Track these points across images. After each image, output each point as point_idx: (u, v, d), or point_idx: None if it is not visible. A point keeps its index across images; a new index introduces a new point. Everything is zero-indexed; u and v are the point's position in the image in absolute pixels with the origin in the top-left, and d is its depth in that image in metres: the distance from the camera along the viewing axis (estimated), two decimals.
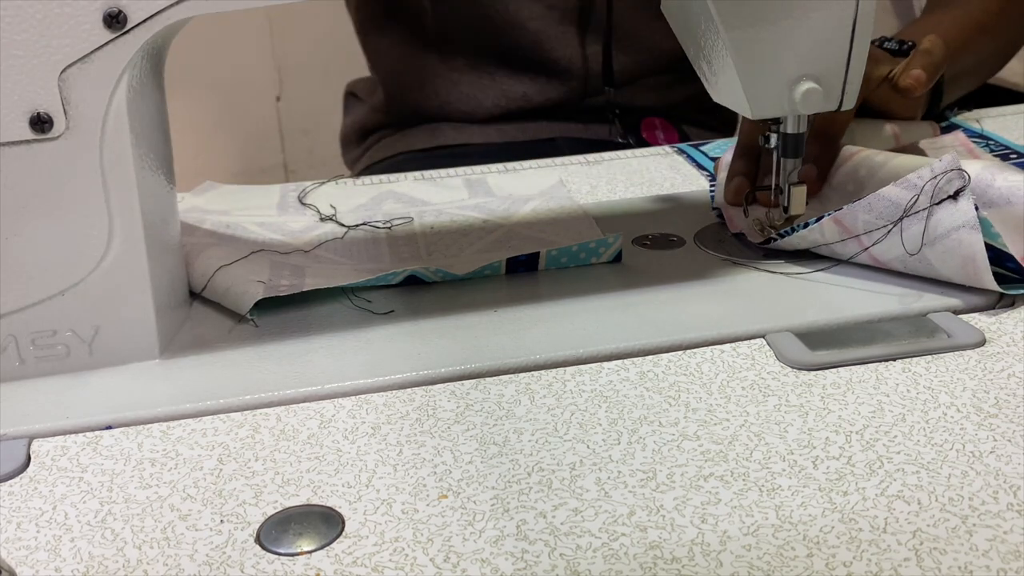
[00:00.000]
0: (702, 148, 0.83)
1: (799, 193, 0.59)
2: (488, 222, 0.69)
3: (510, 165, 0.81)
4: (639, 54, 0.99)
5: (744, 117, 0.67)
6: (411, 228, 0.69)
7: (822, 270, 0.58)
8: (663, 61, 1.00)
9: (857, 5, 0.54)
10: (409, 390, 0.49)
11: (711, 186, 0.69)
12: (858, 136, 0.68)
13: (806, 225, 0.58)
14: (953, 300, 0.54)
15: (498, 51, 0.98)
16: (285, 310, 0.57)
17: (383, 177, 0.79)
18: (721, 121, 1.06)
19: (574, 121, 1.00)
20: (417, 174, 0.80)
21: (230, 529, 0.40)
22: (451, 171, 0.81)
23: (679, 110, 1.03)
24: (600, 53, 0.97)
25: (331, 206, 0.72)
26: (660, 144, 0.93)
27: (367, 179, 0.79)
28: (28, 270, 0.49)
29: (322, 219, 0.70)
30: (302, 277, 0.59)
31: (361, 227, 0.68)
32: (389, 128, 1.05)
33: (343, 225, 0.69)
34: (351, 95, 1.11)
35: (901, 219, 0.54)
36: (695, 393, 0.48)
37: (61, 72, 0.47)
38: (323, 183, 0.77)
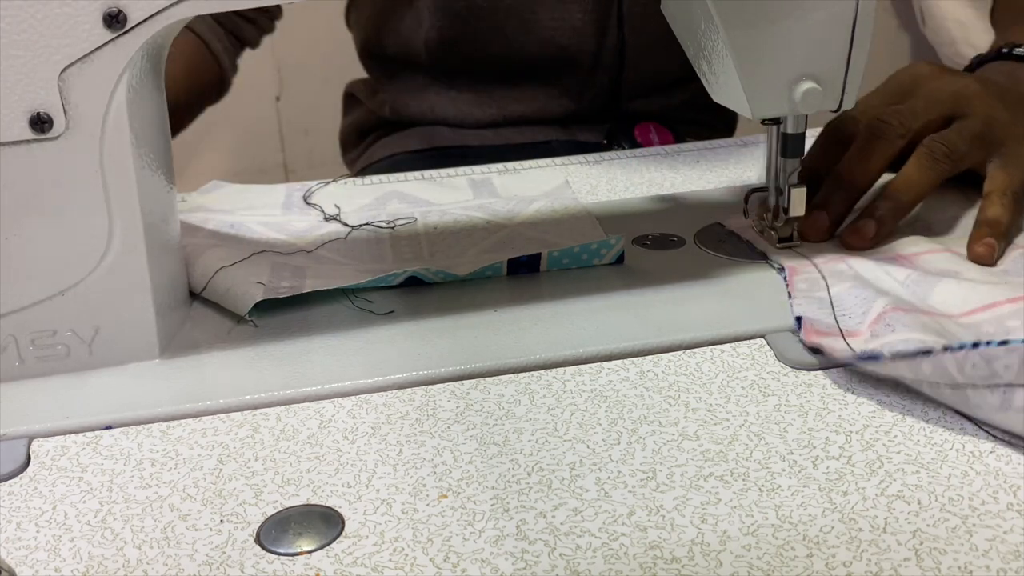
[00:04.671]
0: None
1: (799, 194, 0.59)
2: (492, 223, 0.69)
3: (513, 165, 0.81)
4: (645, 80, 0.99)
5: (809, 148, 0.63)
6: (414, 228, 0.69)
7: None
8: (665, 81, 1.01)
9: (857, 5, 0.54)
10: (409, 390, 0.49)
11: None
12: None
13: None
14: None
15: (499, 77, 0.98)
16: (285, 311, 0.57)
17: (388, 177, 0.79)
18: (717, 118, 1.06)
19: (569, 124, 1.00)
20: (420, 174, 0.80)
21: (230, 529, 0.40)
22: (455, 171, 0.80)
23: (675, 112, 1.03)
24: (607, 85, 0.98)
25: (335, 206, 0.72)
26: (654, 146, 0.94)
27: (372, 179, 0.79)
28: (28, 270, 0.49)
29: (326, 219, 0.70)
30: (302, 278, 0.59)
31: (364, 227, 0.68)
32: (387, 128, 1.05)
33: (347, 225, 0.69)
34: (350, 96, 1.12)
35: None
36: (695, 393, 0.48)
37: (61, 72, 0.47)
38: (328, 183, 0.77)
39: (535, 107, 0.99)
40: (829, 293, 0.53)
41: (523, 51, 0.95)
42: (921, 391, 0.46)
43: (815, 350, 0.50)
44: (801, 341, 0.51)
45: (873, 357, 0.46)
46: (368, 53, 1.06)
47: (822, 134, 0.65)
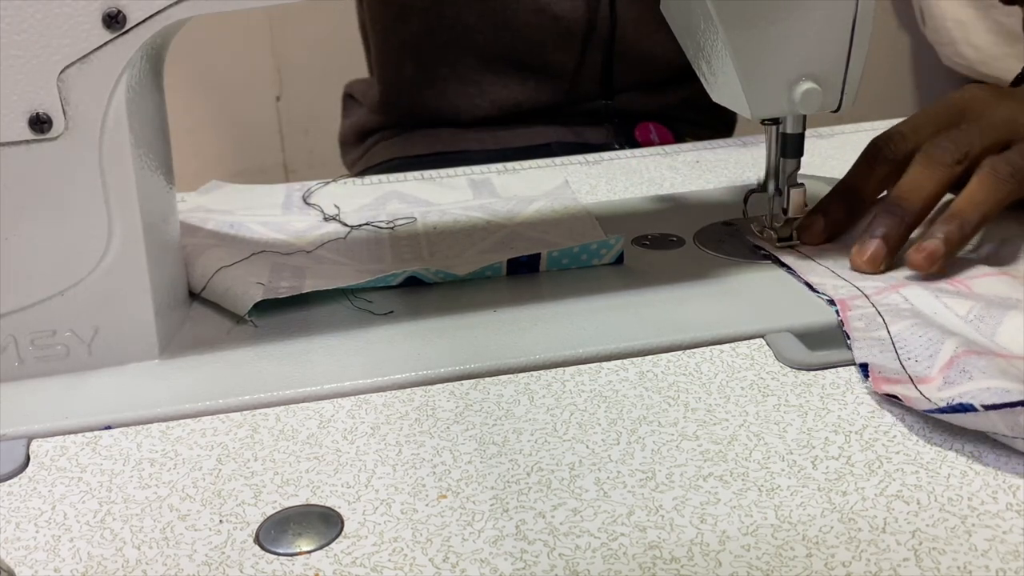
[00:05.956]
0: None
1: (798, 195, 0.59)
2: (491, 223, 0.69)
3: (513, 165, 0.81)
4: (638, 64, 0.99)
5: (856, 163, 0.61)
6: (414, 228, 0.69)
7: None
8: (661, 70, 1.01)
9: (857, 5, 0.54)
10: (408, 390, 0.49)
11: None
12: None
13: None
14: None
15: (485, 58, 0.97)
16: (285, 311, 0.57)
17: (387, 177, 0.79)
18: (716, 118, 1.06)
19: (568, 125, 1.00)
20: (419, 174, 0.80)
21: (229, 529, 0.40)
22: (455, 171, 0.80)
23: (674, 111, 1.03)
24: (599, 63, 0.97)
25: (335, 206, 0.72)
26: (655, 145, 0.94)
27: (372, 179, 0.79)
28: (27, 270, 0.49)
29: (326, 219, 0.70)
30: (302, 279, 0.59)
31: (364, 227, 0.68)
32: (387, 130, 1.05)
33: (346, 225, 0.69)
34: (349, 96, 1.12)
35: None
36: (694, 393, 0.48)
37: (60, 72, 0.47)
38: (328, 183, 0.77)
39: (527, 93, 0.98)
40: (889, 332, 0.50)
41: (516, 20, 0.94)
42: (1014, 447, 0.42)
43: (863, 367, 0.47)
44: (868, 388, 0.47)
45: (963, 409, 0.42)
46: (365, 35, 1.05)
47: (866, 151, 0.62)
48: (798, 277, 0.58)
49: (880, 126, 0.78)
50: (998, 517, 0.39)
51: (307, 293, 0.57)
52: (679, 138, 1.02)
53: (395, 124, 1.04)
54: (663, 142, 0.99)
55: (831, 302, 0.54)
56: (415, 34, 0.98)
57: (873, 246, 0.57)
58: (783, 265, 0.59)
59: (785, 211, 0.60)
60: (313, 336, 0.54)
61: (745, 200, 0.63)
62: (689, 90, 1.01)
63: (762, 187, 0.61)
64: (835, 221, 0.61)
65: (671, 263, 0.61)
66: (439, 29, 0.97)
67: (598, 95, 0.99)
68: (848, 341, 0.50)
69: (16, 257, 0.49)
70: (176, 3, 0.48)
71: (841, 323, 0.52)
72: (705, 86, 0.59)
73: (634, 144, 0.98)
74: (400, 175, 0.80)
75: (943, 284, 0.55)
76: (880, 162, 0.61)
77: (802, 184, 0.59)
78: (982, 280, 0.55)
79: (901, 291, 0.54)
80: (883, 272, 0.57)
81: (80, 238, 0.49)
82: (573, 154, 0.85)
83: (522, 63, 0.97)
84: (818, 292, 0.56)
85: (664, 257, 0.62)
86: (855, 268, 0.57)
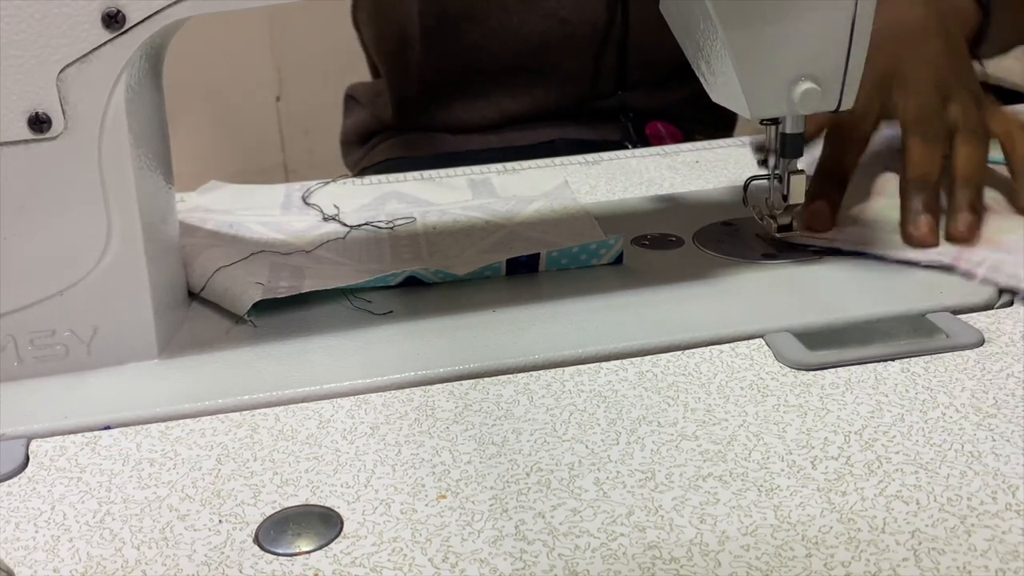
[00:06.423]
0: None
1: (798, 182, 0.59)
2: (491, 223, 0.69)
3: (512, 165, 0.81)
4: (646, 62, 0.99)
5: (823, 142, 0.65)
6: (413, 228, 0.69)
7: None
8: (663, 66, 1.01)
9: (856, 5, 0.54)
10: (408, 390, 0.49)
11: None
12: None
13: None
14: (952, 299, 0.54)
15: (493, 73, 0.97)
16: (284, 311, 0.57)
17: (387, 177, 0.79)
18: (716, 118, 1.06)
19: (575, 123, 1.00)
20: (419, 174, 0.80)
21: (228, 529, 0.40)
22: (455, 171, 0.81)
23: (676, 110, 1.03)
24: (612, 63, 0.97)
25: (334, 206, 0.72)
26: (665, 143, 0.94)
27: (371, 179, 0.79)
28: (27, 270, 0.49)
29: (325, 219, 0.70)
30: (301, 278, 0.59)
31: (363, 227, 0.68)
32: (390, 131, 1.05)
33: (346, 225, 0.69)
34: (351, 98, 1.12)
35: None
36: (694, 393, 0.48)
37: (59, 72, 0.47)
38: (327, 183, 0.77)
39: (536, 101, 0.98)
40: None
41: (523, 27, 0.94)
42: None
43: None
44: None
45: None
46: (371, 51, 1.05)
47: (838, 135, 0.65)
48: (880, 258, 0.59)
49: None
50: (997, 517, 0.39)
51: (306, 293, 0.57)
52: (688, 136, 1.02)
53: (399, 127, 1.04)
54: (673, 140, 0.99)
55: (947, 267, 0.57)
56: (418, 59, 0.98)
57: (926, 219, 0.60)
58: (850, 253, 0.60)
59: (785, 197, 0.60)
60: (312, 336, 0.54)
61: (745, 187, 0.63)
62: (690, 89, 1.01)
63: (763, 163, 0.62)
64: (835, 203, 0.63)
65: (670, 263, 0.61)
66: (442, 54, 0.97)
67: (610, 94, 0.99)
68: (1016, 296, 0.54)
69: (15, 257, 0.49)
70: (176, 3, 0.48)
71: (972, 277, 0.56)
72: (704, 86, 0.59)
73: (646, 142, 0.98)
74: (400, 175, 0.80)
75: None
76: (855, 143, 0.65)
77: (802, 170, 0.59)
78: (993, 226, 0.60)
79: (980, 250, 0.58)
80: (937, 243, 0.60)
81: (79, 238, 0.49)
82: (580, 152, 0.85)
83: (533, 72, 0.97)
84: (920, 264, 0.58)
85: (663, 257, 0.62)
86: (915, 242, 0.60)
